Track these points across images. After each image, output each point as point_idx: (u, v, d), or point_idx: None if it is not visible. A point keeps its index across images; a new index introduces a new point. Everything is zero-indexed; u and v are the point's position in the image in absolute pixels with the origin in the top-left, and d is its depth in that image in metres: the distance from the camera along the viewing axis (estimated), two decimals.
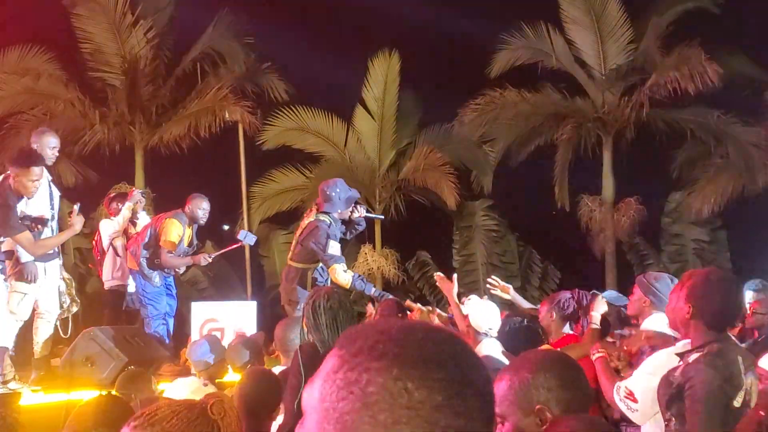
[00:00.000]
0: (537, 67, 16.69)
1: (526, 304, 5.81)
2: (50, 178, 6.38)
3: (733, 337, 3.17)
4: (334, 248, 6.86)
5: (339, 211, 7.04)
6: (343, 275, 6.80)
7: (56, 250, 6.35)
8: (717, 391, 2.79)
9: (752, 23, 15.35)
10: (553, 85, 16.74)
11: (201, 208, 7.79)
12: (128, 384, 4.46)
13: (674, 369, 2.96)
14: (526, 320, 4.73)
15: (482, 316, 4.74)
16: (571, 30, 16.41)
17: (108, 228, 8.51)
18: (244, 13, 16.77)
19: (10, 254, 6.06)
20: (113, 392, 3.61)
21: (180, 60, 16.90)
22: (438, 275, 5.75)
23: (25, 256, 5.99)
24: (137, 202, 8.49)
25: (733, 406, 2.80)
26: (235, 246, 8.81)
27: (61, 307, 6.36)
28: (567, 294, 4.88)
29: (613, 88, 16.37)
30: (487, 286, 5.90)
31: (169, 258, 7.61)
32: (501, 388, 1.96)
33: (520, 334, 4.50)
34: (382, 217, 11.51)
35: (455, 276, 5.56)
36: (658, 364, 3.22)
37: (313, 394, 0.96)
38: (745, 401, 2.85)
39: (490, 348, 4.54)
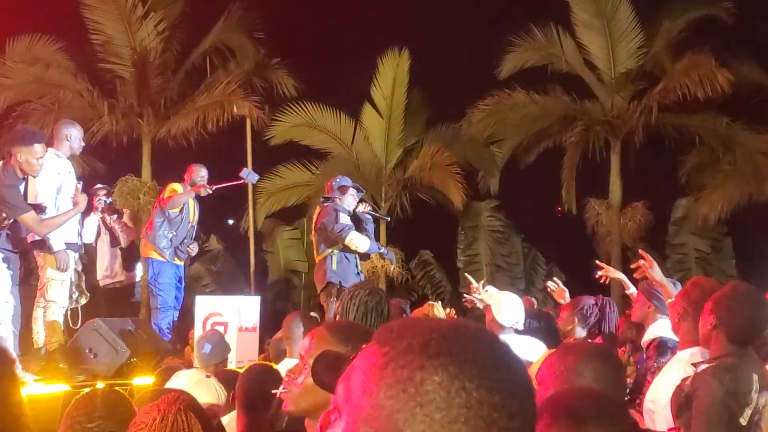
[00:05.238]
0: (546, 69, 16.66)
1: None
2: (71, 170, 6.36)
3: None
4: (345, 219, 6.97)
5: (338, 197, 7.18)
6: (359, 239, 6.87)
7: (79, 242, 6.36)
8: (719, 404, 2.73)
9: (763, 31, 15.28)
10: (563, 88, 16.70)
11: (200, 175, 8.15)
12: (167, 379, 4.49)
13: (687, 378, 2.92)
14: (543, 321, 4.60)
15: (508, 309, 4.51)
16: (581, 33, 16.36)
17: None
18: (254, 8, 16.77)
19: (41, 244, 6.04)
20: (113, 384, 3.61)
21: (190, 53, 16.89)
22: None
23: (57, 245, 5.99)
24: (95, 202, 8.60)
25: (739, 423, 2.74)
26: (236, 182, 8.86)
27: (71, 298, 6.36)
28: (590, 300, 4.70)
29: (622, 91, 16.32)
30: (548, 288, 5.81)
31: (175, 197, 7.90)
32: (547, 362, 2.17)
33: (542, 336, 4.34)
34: (388, 218, 11.47)
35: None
36: (675, 374, 3.14)
37: (353, 391, 0.93)
38: (754, 421, 2.77)
39: (518, 344, 4.22)
